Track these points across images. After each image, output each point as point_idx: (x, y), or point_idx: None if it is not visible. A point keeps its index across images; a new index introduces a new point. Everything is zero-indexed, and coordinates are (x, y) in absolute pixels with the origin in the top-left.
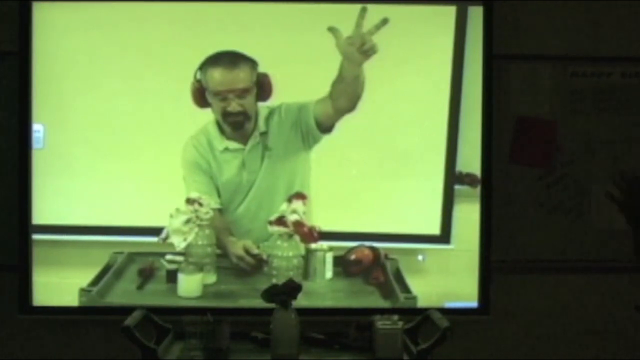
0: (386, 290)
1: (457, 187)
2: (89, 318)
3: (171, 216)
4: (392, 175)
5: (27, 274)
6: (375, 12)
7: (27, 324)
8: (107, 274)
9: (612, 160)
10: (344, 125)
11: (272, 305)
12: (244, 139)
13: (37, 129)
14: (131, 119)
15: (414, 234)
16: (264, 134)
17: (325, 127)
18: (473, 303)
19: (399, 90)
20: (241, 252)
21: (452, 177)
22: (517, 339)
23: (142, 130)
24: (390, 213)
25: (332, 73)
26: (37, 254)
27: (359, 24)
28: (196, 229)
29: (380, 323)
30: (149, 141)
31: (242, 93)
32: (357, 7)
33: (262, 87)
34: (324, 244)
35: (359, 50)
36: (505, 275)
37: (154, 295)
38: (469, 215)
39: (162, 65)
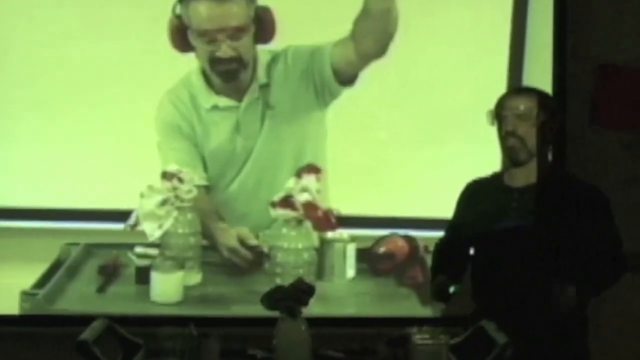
0: (426, 294)
1: None
2: (34, 330)
3: (142, 196)
4: (433, 142)
5: None
6: None
7: None
8: (58, 273)
9: None
10: (370, 75)
11: (275, 313)
12: (238, 93)
13: None
14: (89, 68)
15: None
16: (264, 87)
17: (346, 78)
18: None
19: (443, 28)
20: (234, 244)
21: None
22: None
23: (104, 82)
24: (431, 191)
25: (355, 6)
26: None
27: None
28: (175, 213)
29: (419, 337)
30: (112, 97)
31: (235, 33)
32: None
33: (262, 25)
34: (344, 233)
35: None
36: None
37: (119, 300)
38: None
39: None
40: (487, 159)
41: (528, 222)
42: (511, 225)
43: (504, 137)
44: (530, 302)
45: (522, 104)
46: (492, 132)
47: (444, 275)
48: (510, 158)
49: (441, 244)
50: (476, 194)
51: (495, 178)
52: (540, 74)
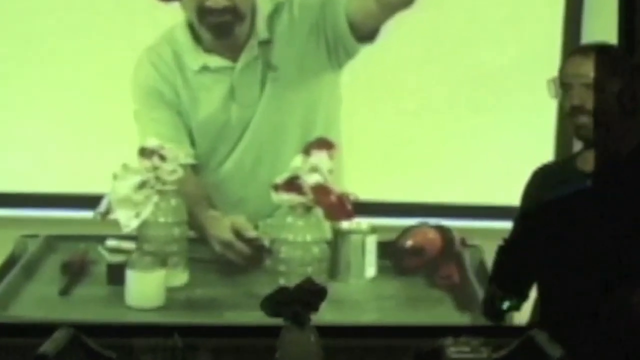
0: (463, 297)
1: None
2: None
3: (115, 177)
4: (471, 111)
5: None
6: None
7: None
8: (12, 271)
9: None
10: (394, 29)
11: (278, 321)
12: (233, 52)
13: None
14: (47, 18)
15: (508, 205)
16: (265, 44)
17: (365, 33)
18: None
19: None
20: (228, 236)
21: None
22: None
23: (67, 35)
24: (469, 172)
25: None
26: None
27: None
28: (155, 198)
29: (455, 350)
30: (77, 55)
31: None
32: None
33: None
34: (363, 223)
35: None
36: None
37: (87, 305)
38: None
39: None
40: (539, 131)
41: (607, 214)
42: (587, 220)
43: (570, 112)
44: (607, 313)
45: (592, 70)
46: (545, 97)
47: (500, 287)
48: (581, 138)
49: (504, 246)
50: (545, 184)
51: (567, 163)
52: (602, 26)
